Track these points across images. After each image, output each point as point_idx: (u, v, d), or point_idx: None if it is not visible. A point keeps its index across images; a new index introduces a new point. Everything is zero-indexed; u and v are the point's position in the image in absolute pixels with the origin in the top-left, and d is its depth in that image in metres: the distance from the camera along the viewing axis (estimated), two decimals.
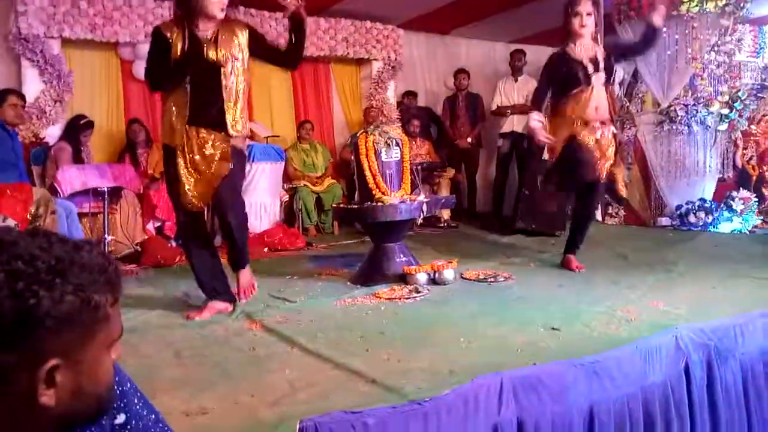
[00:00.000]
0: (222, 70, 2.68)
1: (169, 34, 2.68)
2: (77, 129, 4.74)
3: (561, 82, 3.51)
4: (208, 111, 2.69)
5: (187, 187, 2.73)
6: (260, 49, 2.86)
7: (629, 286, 3.06)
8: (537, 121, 3.49)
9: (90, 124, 4.86)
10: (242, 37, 2.76)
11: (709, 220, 4.79)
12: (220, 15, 2.68)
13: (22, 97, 4.08)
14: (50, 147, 4.71)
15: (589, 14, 3.46)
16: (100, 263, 0.79)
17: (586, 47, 3.49)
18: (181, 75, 2.68)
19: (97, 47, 5.39)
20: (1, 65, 5.12)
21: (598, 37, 3.61)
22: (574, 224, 3.77)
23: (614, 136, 3.57)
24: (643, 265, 3.59)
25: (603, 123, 3.47)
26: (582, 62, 3.44)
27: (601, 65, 3.45)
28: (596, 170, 3.43)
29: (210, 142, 2.70)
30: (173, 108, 2.72)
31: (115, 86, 5.60)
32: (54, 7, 5.03)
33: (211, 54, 2.65)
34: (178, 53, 2.66)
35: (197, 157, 2.69)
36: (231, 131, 2.72)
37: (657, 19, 3.42)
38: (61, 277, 0.73)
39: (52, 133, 5.02)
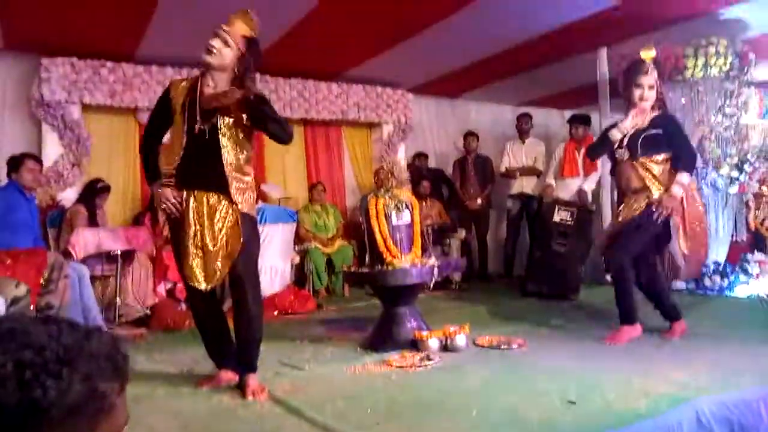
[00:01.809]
0: (221, 132, 2.52)
1: (172, 93, 2.61)
2: (94, 192, 4.81)
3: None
4: (209, 174, 2.53)
5: (194, 264, 2.55)
6: (255, 119, 2.55)
7: (646, 355, 2.99)
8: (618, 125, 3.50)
9: (107, 189, 4.92)
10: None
11: (725, 284, 4.72)
12: (210, 59, 2.50)
13: (39, 162, 4.17)
14: (66, 210, 4.78)
15: (651, 87, 3.43)
16: (107, 351, 0.78)
17: (639, 119, 3.46)
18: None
19: (116, 112, 5.56)
20: (23, 129, 5.28)
21: (655, 106, 3.53)
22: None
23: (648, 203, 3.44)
24: (659, 332, 3.51)
25: (635, 192, 3.46)
26: (609, 134, 3.52)
27: (626, 142, 3.45)
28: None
29: (218, 210, 2.54)
30: (172, 170, 2.59)
31: (132, 150, 5.69)
32: (76, 74, 5.21)
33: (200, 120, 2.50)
34: (179, 113, 2.56)
35: (206, 227, 2.52)
36: (234, 197, 2.54)
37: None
38: (68, 366, 0.72)
39: (68, 196, 5.11)
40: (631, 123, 3.47)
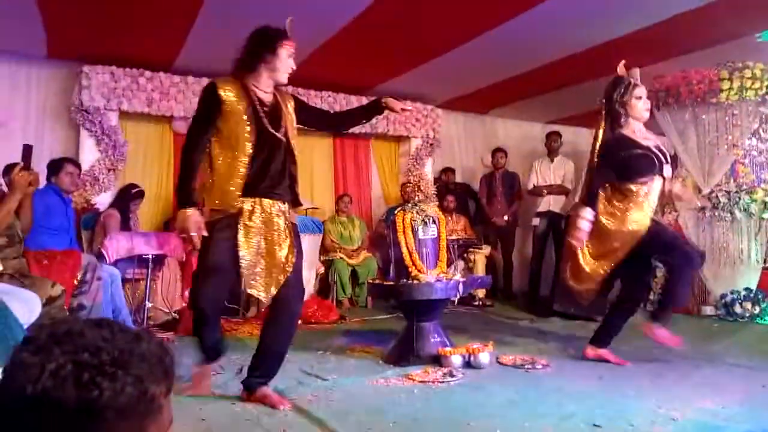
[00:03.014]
0: (291, 137, 2.58)
1: (223, 94, 2.43)
2: (128, 197, 4.92)
3: (621, 167, 3.24)
4: (279, 181, 2.53)
5: (256, 272, 2.47)
6: (306, 114, 2.77)
7: (674, 381, 2.94)
8: (587, 222, 3.25)
9: (141, 194, 5.04)
10: (290, 105, 2.67)
11: (756, 311, 4.61)
12: (285, 81, 2.60)
13: (78, 166, 4.28)
14: (100, 213, 4.90)
15: (648, 98, 3.34)
16: (157, 354, 0.81)
17: (643, 134, 3.31)
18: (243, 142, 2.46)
19: (152, 120, 5.70)
20: (62, 133, 5.45)
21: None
22: (618, 310, 3.54)
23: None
24: (688, 358, 3.45)
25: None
26: (650, 149, 3.24)
27: (669, 156, 3.30)
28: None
29: (276, 219, 2.50)
30: (234, 173, 2.43)
31: (167, 157, 5.85)
32: (115, 82, 5.37)
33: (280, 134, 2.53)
34: (245, 117, 2.44)
35: (265, 235, 2.47)
36: (302, 202, 2.64)
37: None
38: (122, 369, 0.75)
39: (102, 200, 5.25)
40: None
